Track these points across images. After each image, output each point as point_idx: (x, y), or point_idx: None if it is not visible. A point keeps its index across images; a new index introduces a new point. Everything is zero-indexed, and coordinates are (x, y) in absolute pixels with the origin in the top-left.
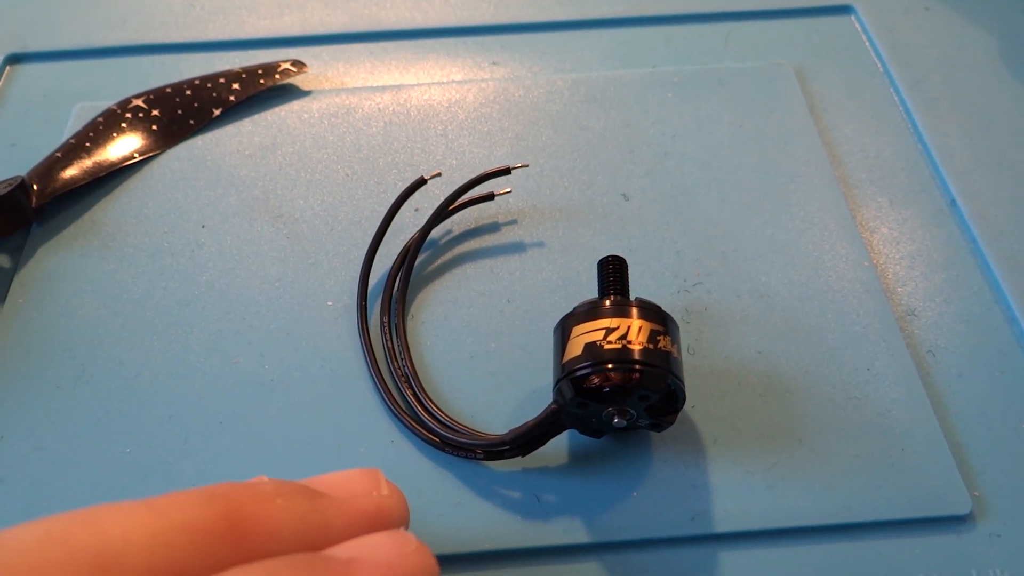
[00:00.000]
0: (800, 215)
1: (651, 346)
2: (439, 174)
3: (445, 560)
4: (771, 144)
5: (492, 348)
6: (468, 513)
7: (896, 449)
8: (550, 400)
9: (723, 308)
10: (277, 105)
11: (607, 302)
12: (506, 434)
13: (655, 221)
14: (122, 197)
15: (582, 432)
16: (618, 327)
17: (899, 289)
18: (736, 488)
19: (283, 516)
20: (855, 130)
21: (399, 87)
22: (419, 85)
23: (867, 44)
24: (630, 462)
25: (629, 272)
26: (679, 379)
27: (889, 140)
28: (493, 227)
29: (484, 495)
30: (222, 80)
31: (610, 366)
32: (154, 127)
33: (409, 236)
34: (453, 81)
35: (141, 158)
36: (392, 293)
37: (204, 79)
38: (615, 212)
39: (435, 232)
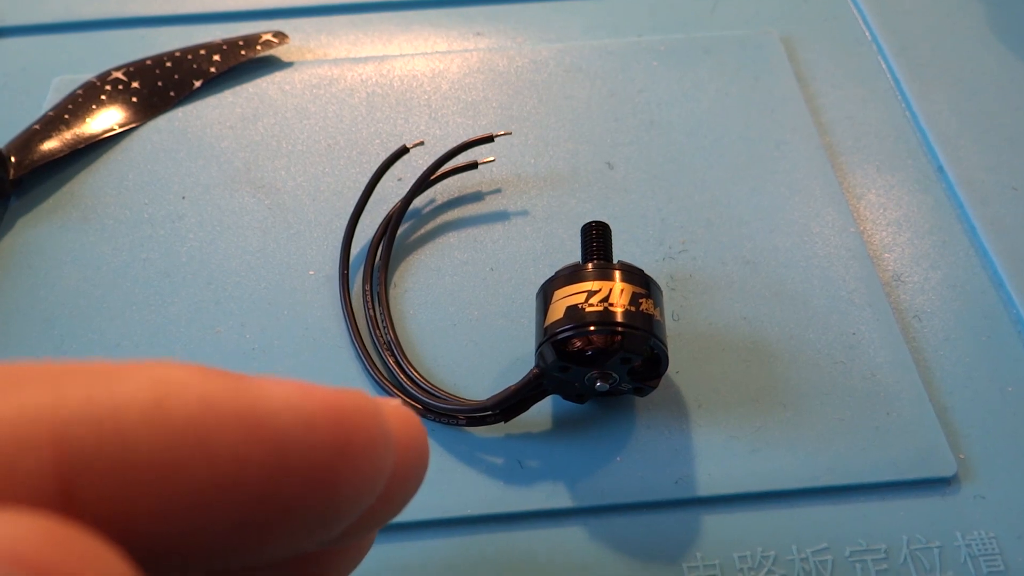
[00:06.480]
0: (786, 182)
1: (633, 308)
2: (421, 143)
3: (428, 525)
4: (757, 112)
5: (475, 316)
6: (451, 479)
7: (881, 413)
8: (533, 366)
9: (708, 274)
10: (258, 76)
11: (589, 265)
12: (488, 400)
13: (640, 189)
14: (102, 169)
15: (565, 397)
16: (600, 290)
17: (885, 255)
18: (720, 452)
19: None
20: (842, 97)
21: (382, 58)
22: (402, 56)
23: (854, 11)
24: (613, 427)
25: (613, 240)
26: (661, 342)
27: (876, 107)
28: (476, 196)
29: (467, 461)
30: (203, 52)
31: (591, 328)
32: (134, 99)
33: (392, 205)
34: (437, 52)
35: (121, 130)
36: (374, 262)
37: (185, 51)
38: (600, 180)
39: (418, 201)
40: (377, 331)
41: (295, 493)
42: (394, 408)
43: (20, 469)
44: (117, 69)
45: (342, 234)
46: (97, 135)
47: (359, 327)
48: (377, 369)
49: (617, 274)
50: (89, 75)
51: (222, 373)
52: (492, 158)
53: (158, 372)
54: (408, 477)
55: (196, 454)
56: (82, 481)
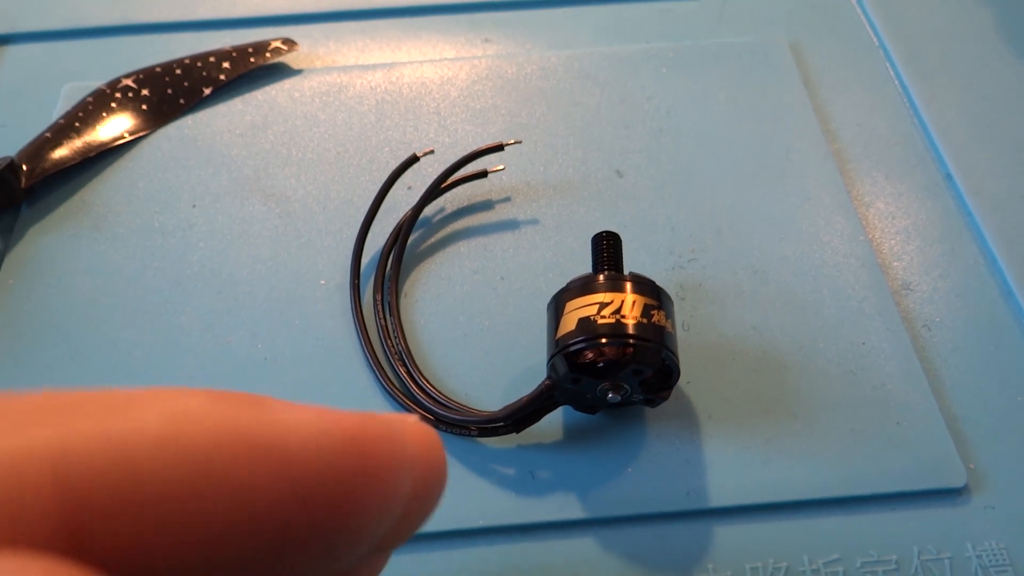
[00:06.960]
0: (795, 190)
1: (645, 320)
2: (432, 151)
3: (439, 537)
4: (766, 119)
5: (486, 326)
6: (462, 490)
7: (891, 423)
8: (544, 377)
9: (718, 284)
10: (267, 84)
11: (601, 277)
12: (500, 411)
13: (649, 197)
14: (112, 177)
15: (576, 408)
16: (612, 301)
17: (894, 263)
18: (731, 463)
19: None
20: (850, 104)
21: (391, 65)
22: (411, 63)
23: (862, 17)
24: (625, 438)
25: (624, 248)
26: (673, 353)
27: (885, 114)
28: (486, 204)
29: (478, 472)
30: (212, 59)
31: (604, 340)
32: (144, 107)
33: (402, 214)
34: (445, 59)
35: (131, 138)
36: (385, 271)
37: (194, 58)
38: (609, 188)
39: (428, 210)
40: (388, 341)
41: (313, 523)
42: (413, 427)
43: (22, 508)
44: (127, 76)
45: (353, 243)
46: (107, 143)
47: (370, 337)
48: (388, 379)
49: (629, 286)
50: (99, 82)
51: (237, 400)
52: (502, 166)
53: (171, 402)
54: (427, 497)
55: (210, 487)
56: (88, 518)
